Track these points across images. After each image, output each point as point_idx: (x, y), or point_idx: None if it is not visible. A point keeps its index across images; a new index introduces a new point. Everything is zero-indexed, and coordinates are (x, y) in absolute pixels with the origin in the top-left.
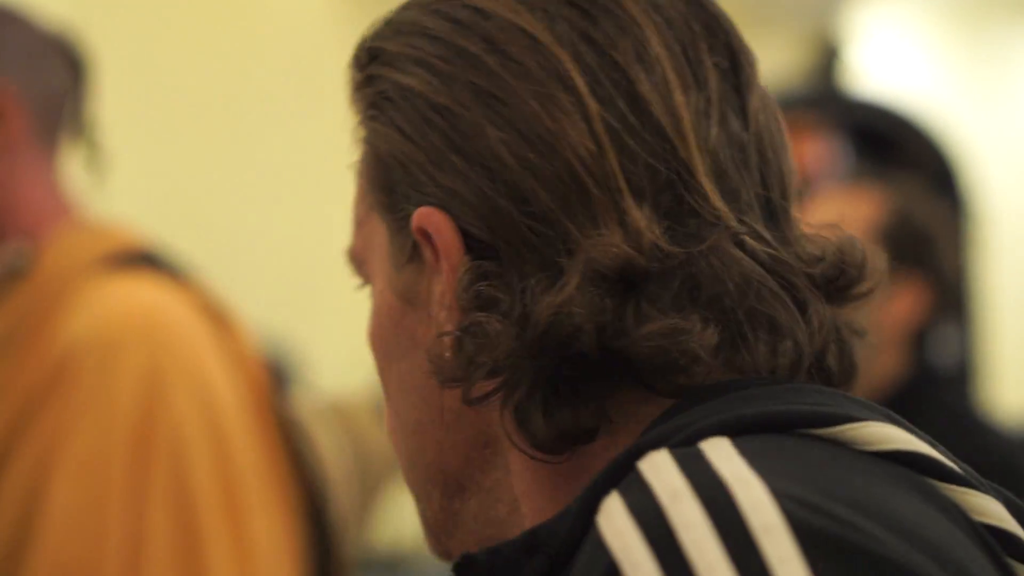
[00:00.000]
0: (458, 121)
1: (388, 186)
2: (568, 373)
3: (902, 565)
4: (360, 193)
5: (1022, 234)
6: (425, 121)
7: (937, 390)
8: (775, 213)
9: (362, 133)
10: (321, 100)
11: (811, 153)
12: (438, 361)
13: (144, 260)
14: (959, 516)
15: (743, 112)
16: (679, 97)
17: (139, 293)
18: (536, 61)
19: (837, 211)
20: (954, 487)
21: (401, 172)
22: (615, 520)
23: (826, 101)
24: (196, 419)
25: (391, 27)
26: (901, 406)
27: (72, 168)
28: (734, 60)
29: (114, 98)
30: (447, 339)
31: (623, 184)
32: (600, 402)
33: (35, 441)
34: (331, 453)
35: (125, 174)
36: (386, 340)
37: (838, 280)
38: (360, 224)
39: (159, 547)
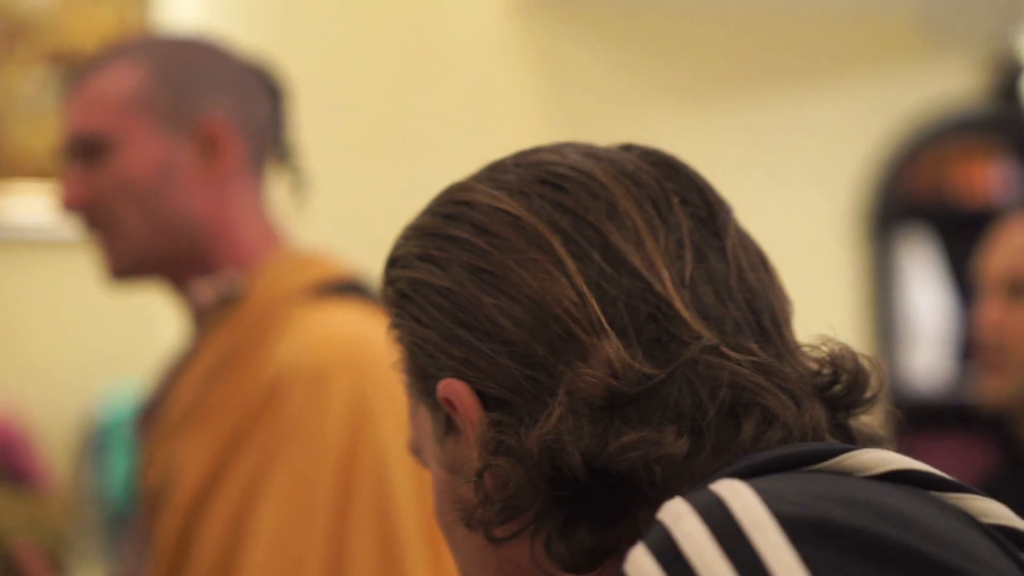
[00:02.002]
0: (458, 298)
1: (421, 373)
2: (573, 496)
3: (895, 543)
4: (407, 388)
5: None
6: (433, 305)
7: None
8: (767, 334)
9: (394, 334)
10: (503, 121)
11: (991, 178)
12: (461, 505)
13: (350, 289)
14: (968, 519)
15: (722, 251)
16: (650, 243)
17: (346, 320)
18: (517, 234)
19: (1018, 238)
20: (957, 495)
21: (424, 356)
22: (635, 555)
23: (1007, 124)
24: (400, 446)
25: (403, 237)
26: None
27: (275, 193)
28: (710, 209)
29: (307, 124)
30: (469, 485)
31: (606, 325)
32: (616, 519)
33: (245, 463)
34: None
35: (322, 198)
36: (445, 514)
37: (836, 388)
38: (412, 416)
39: (361, 570)
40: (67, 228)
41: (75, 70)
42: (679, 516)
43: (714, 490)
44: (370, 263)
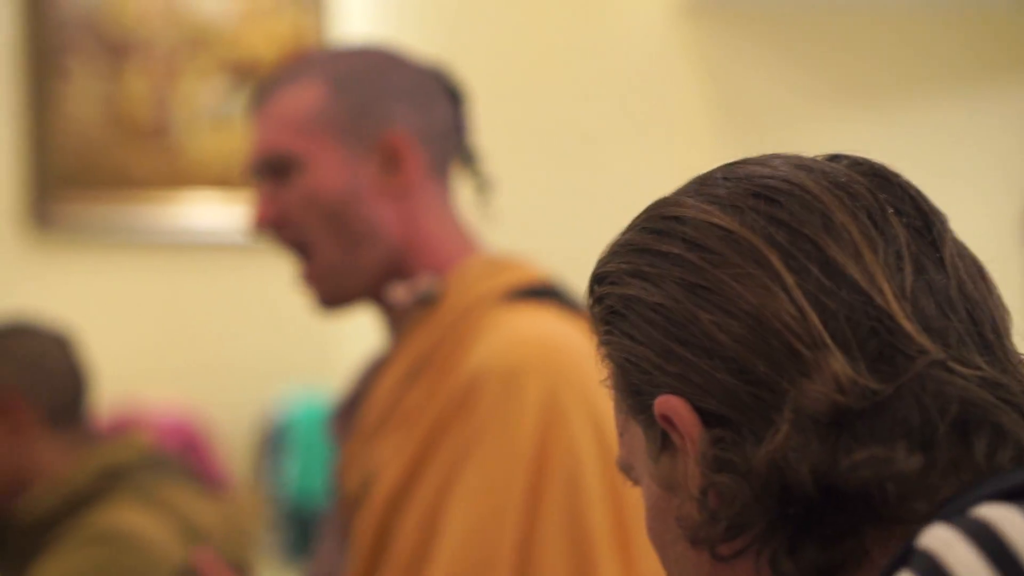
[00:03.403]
0: (673, 314)
1: (633, 390)
2: (801, 515)
3: None
4: (616, 405)
5: None
6: (647, 322)
7: None
8: (989, 346)
9: (604, 350)
10: (671, 124)
11: None
12: (686, 523)
13: (544, 292)
14: None
15: (940, 261)
16: (868, 255)
17: (540, 323)
18: (732, 249)
19: None
20: None
21: (637, 372)
22: None
23: None
24: (591, 447)
25: (610, 252)
26: None
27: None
28: (925, 219)
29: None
30: (693, 503)
31: (828, 339)
32: (845, 536)
33: (439, 463)
34: None
35: (505, 200)
36: (658, 530)
37: None
38: (622, 433)
39: (551, 572)
40: (245, 233)
41: (257, 87)
42: (949, 543)
43: (981, 516)
44: (542, 261)
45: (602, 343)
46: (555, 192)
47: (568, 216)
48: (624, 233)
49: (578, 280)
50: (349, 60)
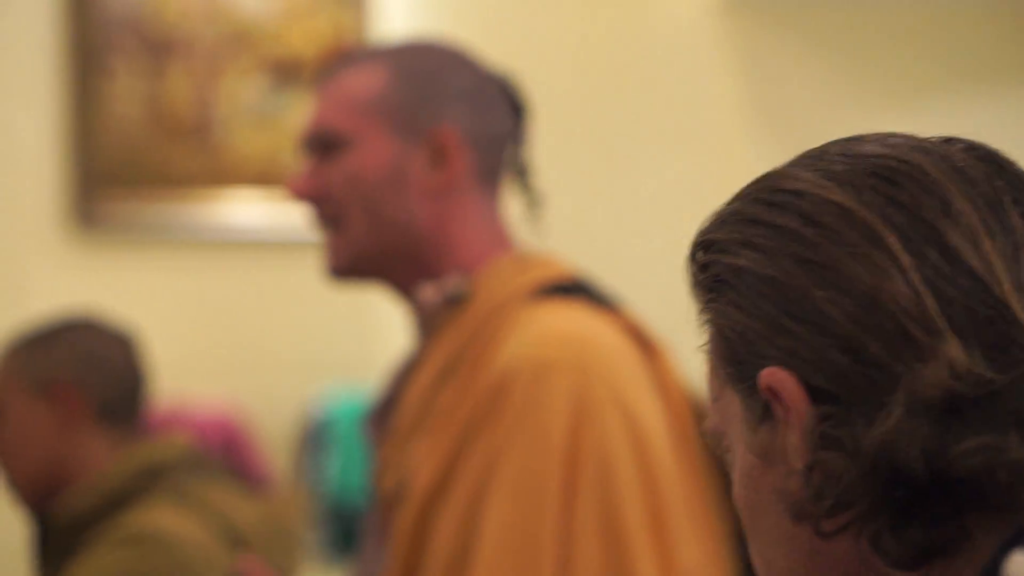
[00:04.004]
0: (785, 288)
1: (735, 359)
2: (908, 497)
3: None
4: (712, 371)
5: None
6: (757, 294)
7: None
8: None
9: (705, 316)
10: (709, 120)
11: None
12: (790, 499)
13: (576, 289)
14: None
15: None
16: (987, 243)
17: (570, 317)
18: (849, 226)
19: None
20: None
21: (743, 343)
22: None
23: None
24: (623, 440)
25: (717, 220)
26: None
27: (512, 210)
28: None
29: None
30: (797, 477)
31: (943, 324)
32: (949, 519)
33: (474, 460)
34: None
35: (556, 214)
36: (750, 499)
37: None
38: (715, 400)
39: (589, 567)
40: (287, 231)
41: (326, 68)
42: None
43: None
44: (578, 259)
45: (704, 310)
46: (591, 189)
47: (604, 213)
48: (733, 202)
49: (613, 276)
50: (417, 53)
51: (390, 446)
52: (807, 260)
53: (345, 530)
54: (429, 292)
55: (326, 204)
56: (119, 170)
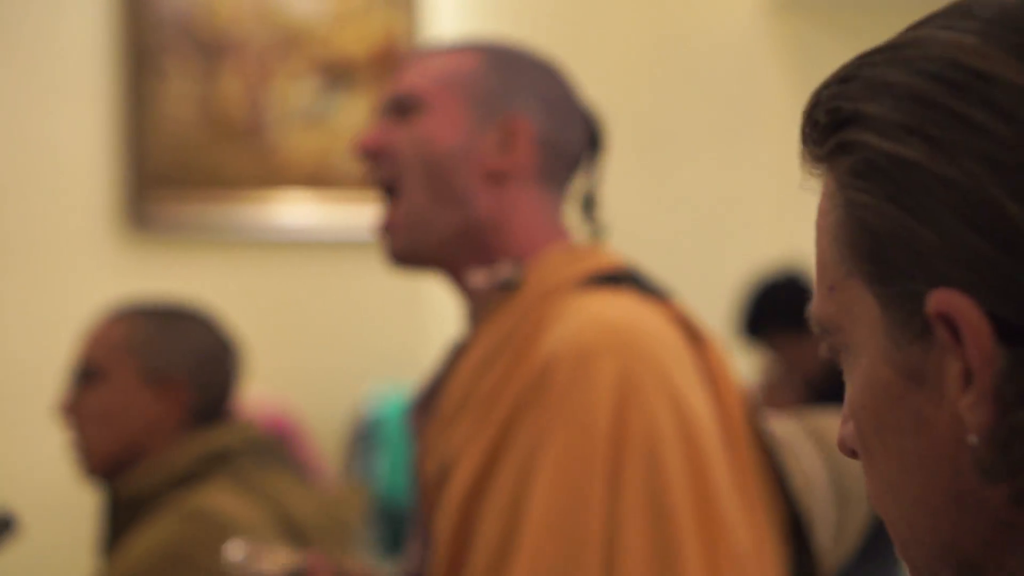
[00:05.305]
0: (971, 196)
1: (881, 259)
2: None
3: None
4: (836, 257)
5: None
6: (931, 196)
7: None
8: None
9: (839, 199)
10: (759, 120)
11: None
12: (981, 457)
13: (626, 279)
14: None
15: None
16: None
17: (617, 305)
18: None
19: None
20: None
21: (901, 249)
22: None
23: None
24: (670, 423)
25: (861, 85)
26: None
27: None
28: None
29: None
30: (988, 436)
31: None
32: None
33: (519, 447)
34: (810, 475)
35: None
36: (880, 414)
37: None
38: (833, 288)
39: (635, 550)
40: (337, 232)
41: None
42: None
43: None
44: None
45: (842, 190)
46: (642, 189)
47: (655, 212)
48: (896, 70)
49: (662, 272)
50: (513, 51)
51: (433, 430)
52: (1002, 166)
53: (394, 530)
54: (480, 278)
55: (387, 163)
56: (171, 171)
